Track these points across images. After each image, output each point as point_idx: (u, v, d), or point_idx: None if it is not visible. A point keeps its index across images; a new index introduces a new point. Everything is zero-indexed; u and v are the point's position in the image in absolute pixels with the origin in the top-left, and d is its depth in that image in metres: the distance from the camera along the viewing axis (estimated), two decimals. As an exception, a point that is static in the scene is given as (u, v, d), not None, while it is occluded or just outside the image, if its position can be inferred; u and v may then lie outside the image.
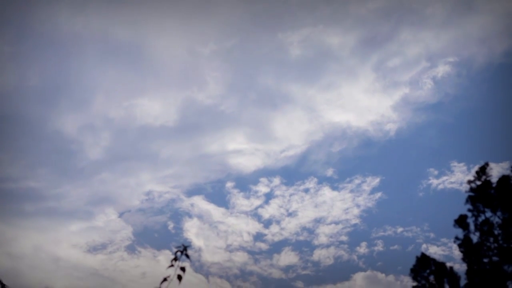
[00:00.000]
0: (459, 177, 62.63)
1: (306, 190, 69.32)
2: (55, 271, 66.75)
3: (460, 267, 31.99)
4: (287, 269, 66.58)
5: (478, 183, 31.47)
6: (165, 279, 5.32)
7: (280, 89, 74.91)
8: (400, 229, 65.14)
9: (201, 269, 66.32)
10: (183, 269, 5.42)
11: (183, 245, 5.43)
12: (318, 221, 67.49)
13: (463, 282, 30.59)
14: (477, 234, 30.62)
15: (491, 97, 72.26)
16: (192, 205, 68.61)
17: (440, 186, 64.20)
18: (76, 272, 67.44)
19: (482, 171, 31.76)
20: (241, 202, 69.00)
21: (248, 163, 73.31)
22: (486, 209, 30.84)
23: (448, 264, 31.57)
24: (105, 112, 74.11)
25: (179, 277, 5.38)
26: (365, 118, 72.99)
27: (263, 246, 67.07)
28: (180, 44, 75.76)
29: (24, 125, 68.98)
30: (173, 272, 5.35)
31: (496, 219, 30.55)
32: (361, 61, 74.49)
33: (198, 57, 75.78)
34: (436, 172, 66.83)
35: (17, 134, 69.05)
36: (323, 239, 66.38)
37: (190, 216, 69.11)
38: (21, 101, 70.94)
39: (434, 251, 60.25)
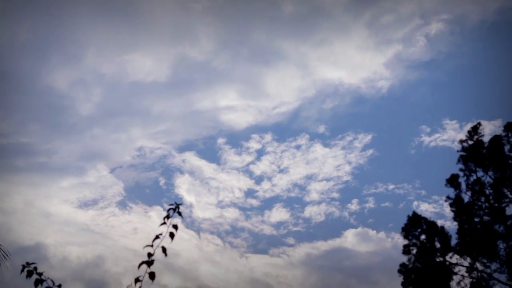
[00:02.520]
0: (451, 135, 62.39)
1: (298, 147, 69.11)
2: (46, 226, 66.86)
3: (451, 225, 32.13)
4: (278, 225, 66.82)
5: (470, 142, 31.46)
6: (157, 237, 5.21)
7: (273, 45, 74.19)
8: (391, 186, 65.24)
9: (192, 225, 66.53)
10: (175, 226, 5.30)
11: (175, 202, 5.30)
12: (310, 177, 67.46)
13: (454, 241, 30.78)
14: (469, 193, 30.71)
15: (484, 54, 71.78)
16: (183, 161, 68.38)
17: (432, 144, 64.05)
18: (67, 227, 67.62)
19: (474, 130, 31.71)
20: (232, 158, 68.77)
21: (240, 119, 72.93)
22: (477, 169, 30.87)
23: (439, 223, 31.73)
24: (96, 68, 73.31)
25: (171, 235, 5.27)
26: (357, 75, 72.45)
27: (254, 202, 67.19)
28: (172, 0, 74.79)
29: (15, 81, 68.31)
30: (165, 230, 5.23)
31: (487, 179, 30.63)
32: (354, 18, 73.65)
33: (190, 13, 74.77)
34: (428, 130, 66.64)
35: (8, 90, 68.46)
36: (314, 196, 66.49)
37: (182, 172, 69.00)
38: (12, 57, 70.13)
39: (425, 208, 60.41)
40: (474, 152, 30.96)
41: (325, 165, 67.18)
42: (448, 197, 31.16)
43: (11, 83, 67.75)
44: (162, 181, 68.27)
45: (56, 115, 72.31)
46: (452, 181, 31.13)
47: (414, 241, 31.46)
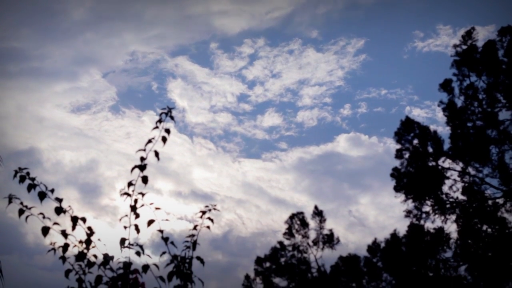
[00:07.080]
0: (444, 40, 61.67)
1: (290, 52, 68.56)
2: (39, 131, 67.38)
3: (443, 130, 32.31)
4: (270, 130, 67.41)
5: (464, 47, 31.19)
6: (149, 141, 5.17)
7: None
8: (384, 91, 65.34)
9: (185, 129, 67.02)
10: (167, 130, 5.24)
11: (167, 107, 5.21)
12: (302, 82, 67.32)
13: (446, 146, 31.01)
14: (462, 98, 30.69)
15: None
16: (176, 65, 67.88)
17: (425, 49, 63.51)
18: (60, 132, 68.16)
19: (468, 35, 31.41)
20: (225, 63, 68.25)
21: (232, 24, 72.15)
22: (471, 74, 30.74)
23: (432, 128, 31.89)
24: (87, -28, 72.09)
25: (164, 139, 5.22)
26: (351, -21, 71.41)
27: (247, 107, 67.36)
28: None
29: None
30: (157, 134, 5.18)
31: (481, 84, 30.54)
32: None
33: None
34: (421, 35, 66.07)
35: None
36: (306, 101, 66.61)
37: (174, 77, 68.72)
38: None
39: (418, 113, 60.69)
40: (467, 57, 30.75)
41: (318, 70, 66.90)
42: (441, 102, 31.17)
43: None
44: (154, 85, 68.17)
45: (48, 20, 71.39)
46: (445, 85, 31.06)
47: (407, 145, 31.70)
